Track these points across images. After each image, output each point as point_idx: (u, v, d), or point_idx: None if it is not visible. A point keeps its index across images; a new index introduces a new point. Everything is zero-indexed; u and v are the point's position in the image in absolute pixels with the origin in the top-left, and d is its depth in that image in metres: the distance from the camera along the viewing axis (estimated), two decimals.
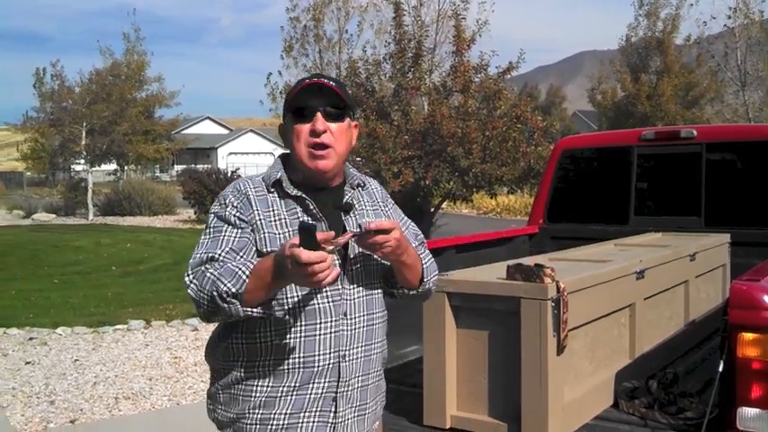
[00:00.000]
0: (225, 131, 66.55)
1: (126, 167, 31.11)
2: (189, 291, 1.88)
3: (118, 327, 8.79)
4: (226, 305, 1.80)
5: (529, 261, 2.46)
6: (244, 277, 1.79)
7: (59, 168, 31.49)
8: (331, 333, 1.95)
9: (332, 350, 1.95)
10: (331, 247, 1.74)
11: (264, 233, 1.94)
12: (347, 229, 1.98)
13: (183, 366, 6.99)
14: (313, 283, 1.70)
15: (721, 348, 2.34)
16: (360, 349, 2.01)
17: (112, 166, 30.89)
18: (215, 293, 1.80)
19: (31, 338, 8.27)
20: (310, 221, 1.95)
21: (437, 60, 19.24)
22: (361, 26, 25.09)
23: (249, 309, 1.81)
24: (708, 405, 2.46)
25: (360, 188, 2.12)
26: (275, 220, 1.96)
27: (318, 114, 1.98)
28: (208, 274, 1.84)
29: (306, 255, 1.65)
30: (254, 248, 1.93)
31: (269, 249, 1.90)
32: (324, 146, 1.97)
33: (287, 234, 1.94)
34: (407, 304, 2.44)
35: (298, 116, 2.00)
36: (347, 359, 1.98)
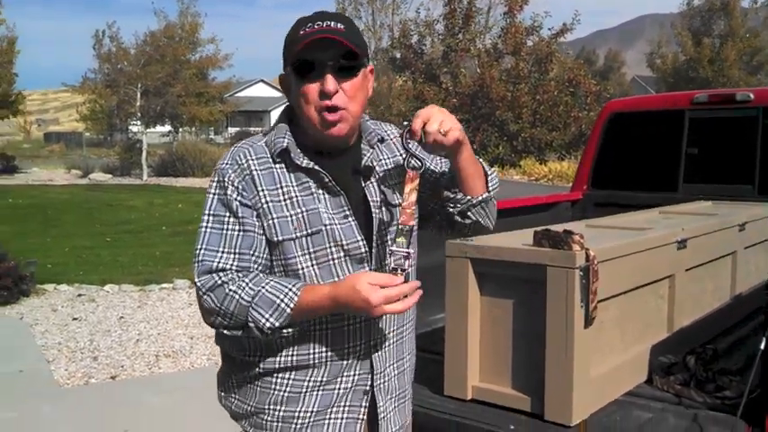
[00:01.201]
0: (278, 94, 66.60)
1: (180, 129, 31.54)
2: (203, 302, 1.69)
3: (164, 285, 8.94)
4: (262, 335, 1.65)
5: (559, 227, 2.33)
6: (288, 311, 1.61)
7: (117, 129, 32.08)
8: (360, 322, 1.74)
9: (362, 341, 1.75)
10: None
11: (273, 218, 1.69)
12: (368, 197, 1.76)
13: None
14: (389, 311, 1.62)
15: (764, 325, 2.19)
16: (392, 333, 1.82)
17: (167, 128, 31.32)
18: (251, 324, 1.63)
19: (79, 295, 8.47)
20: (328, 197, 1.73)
21: (491, 23, 18.87)
22: None
23: (285, 331, 1.66)
24: (747, 384, 2.32)
25: (378, 143, 1.85)
26: (285, 200, 1.70)
27: (328, 72, 1.66)
28: (230, 294, 1.65)
29: (402, 305, 1.60)
30: (263, 238, 1.71)
31: (280, 237, 1.69)
32: (336, 108, 1.68)
33: (299, 215, 1.69)
34: (436, 267, 2.32)
35: (301, 73, 1.68)
36: (379, 348, 1.79)
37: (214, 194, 1.74)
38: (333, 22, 1.68)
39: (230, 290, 1.66)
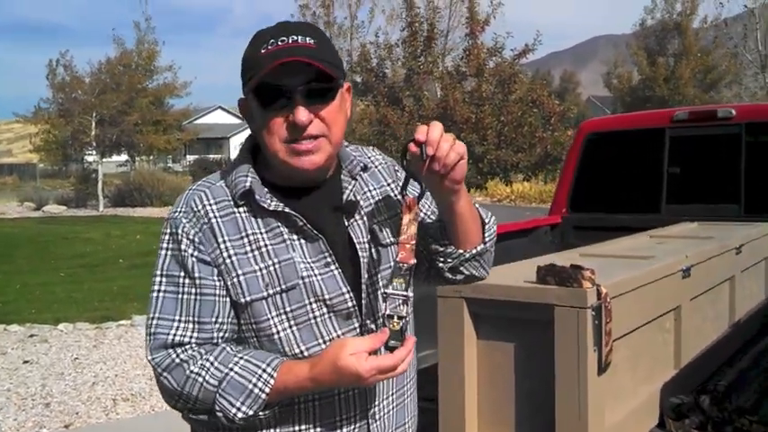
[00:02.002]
0: (238, 121, 66.15)
1: (137, 158, 30.96)
2: (160, 383, 1.42)
3: (121, 322, 8.54)
4: (232, 424, 1.38)
5: (562, 260, 2.10)
6: (263, 396, 1.36)
7: (72, 160, 31.32)
8: (354, 389, 1.47)
9: (356, 411, 1.49)
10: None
11: (239, 275, 1.42)
12: (353, 239, 1.49)
13: None
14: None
15: None
16: (391, 398, 1.55)
17: (124, 157, 30.72)
18: (219, 414, 1.37)
19: (31, 335, 8.02)
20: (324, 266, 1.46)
21: (450, 45, 18.90)
22: (373, 12, 24.80)
23: (261, 413, 1.39)
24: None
25: (362, 172, 1.58)
26: (252, 251, 1.43)
27: (298, 101, 1.38)
28: (191, 375, 1.38)
29: (402, 365, 1.36)
30: (228, 300, 1.44)
31: (247, 298, 1.42)
32: (311, 136, 1.41)
33: (270, 269, 1.42)
34: (424, 297, 2.06)
35: (266, 101, 1.40)
36: (378, 417, 1.52)
37: (166, 250, 1.45)
38: (300, 37, 1.40)
39: (192, 371, 1.38)
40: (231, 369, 1.37)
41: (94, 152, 27.49)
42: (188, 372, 1.38)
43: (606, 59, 36.79)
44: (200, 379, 1.37)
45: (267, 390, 1.36)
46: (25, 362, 6.99)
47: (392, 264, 1.50)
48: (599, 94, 56.38)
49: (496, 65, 14.24)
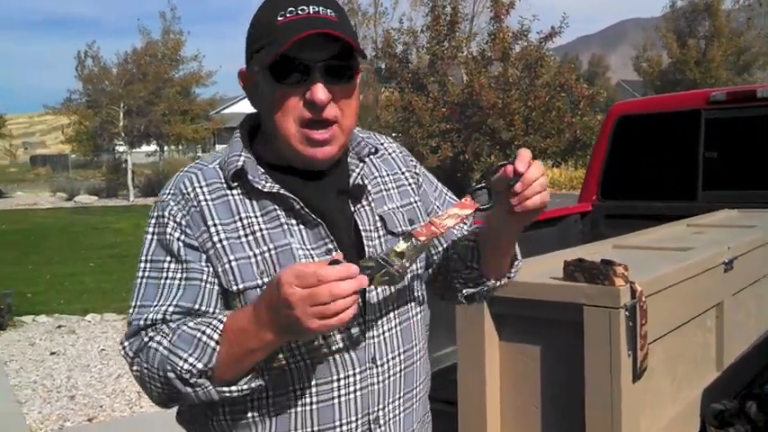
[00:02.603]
0: None
1: (166, 148, 31.19)
2: (134, 372, 1.29)
3: None
4: (190, 389, 1.21)
5: (593, 252, 1.94)
6: (212, 344, 1.19)
7: (103, 150, 31.63)
8: (356, 391, 1.33)
9: (359, 414, 1.34)
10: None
11: (230, 261, 1.29)
12: (359, 225, 1.35)
13: None
14: (327, 325, 1.10)
15: None
16: (398, 402, 1.40)
17: (153, 147, 30.96)
18: (170, 374, 1.20)
19: (59, 326, 8.03)
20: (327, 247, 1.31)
21: (475, 30, 18.65)
22: None
23: (227, 388, 1.22)
24: None
25: (371, 156, 1.45)
26: (246, 236, 1.30)
27: (317, 78, 1.26)
28: (153, 345, 1.24)
29: (334, 271, 1.09)
30: (216, 287, 1.30)
31: (240, 285, 1.28)
32: (326, 122, 1.28)
33: (266, 255, 1.29)
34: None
35: (280, 75, 1.27)
36: (382, 422, 1.37)
37: (153, 234, 1.33)
38: (321, 8, 1.27)
39: (155, 342, 1.24)
40: (184, 324, 1.23)
41: (123, 142, 27.74)
42: (150, 344, 1.25)
43: (635, 43, 36.18)
44: (159, 347, 1.23)
45: (216, 336, 1.19)
46: (52, 353, 6.98)
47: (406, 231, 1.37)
48: (628, 78, 55.54)
49: (522, 49, 13.95)
